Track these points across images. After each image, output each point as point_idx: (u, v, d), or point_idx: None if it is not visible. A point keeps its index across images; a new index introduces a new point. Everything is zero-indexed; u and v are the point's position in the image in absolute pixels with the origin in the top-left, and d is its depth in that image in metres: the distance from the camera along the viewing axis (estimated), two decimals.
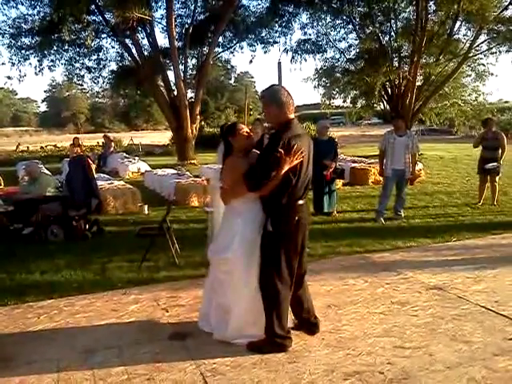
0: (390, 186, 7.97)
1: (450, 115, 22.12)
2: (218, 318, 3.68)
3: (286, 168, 3.23)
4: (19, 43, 17.94)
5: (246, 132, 3.58)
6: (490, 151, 8.87)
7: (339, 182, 10.48)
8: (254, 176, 3.31)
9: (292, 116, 3.44)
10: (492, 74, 19.93)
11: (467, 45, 18.40)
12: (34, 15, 17.69)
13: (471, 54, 18.34)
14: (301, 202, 3.45)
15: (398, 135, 7.80)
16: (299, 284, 3.67)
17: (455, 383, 3.05)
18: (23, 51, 18.08)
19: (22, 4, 17.87)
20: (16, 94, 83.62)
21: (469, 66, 19.64)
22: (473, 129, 25.53)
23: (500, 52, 18.45)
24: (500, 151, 8.80)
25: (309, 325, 3.77)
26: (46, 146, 27.74)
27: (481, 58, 19.35)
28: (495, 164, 8.76)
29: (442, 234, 6.88)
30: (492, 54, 18.78)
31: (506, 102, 47.62)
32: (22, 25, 17.70)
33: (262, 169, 3.28)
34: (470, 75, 20.47)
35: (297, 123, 3.48)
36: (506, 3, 16.93)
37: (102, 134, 21.04)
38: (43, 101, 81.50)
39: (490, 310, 4.15)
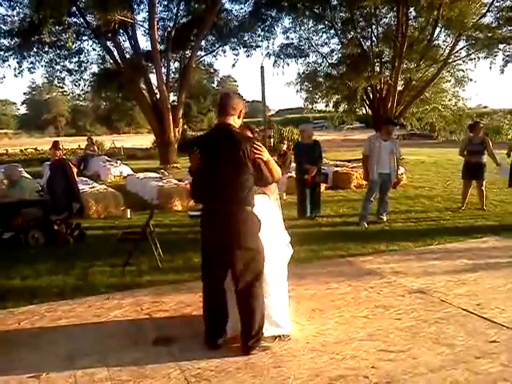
0: (374, 190, 8.04)
1: (430, 120, 22.42)
2: None
3: (193, 165, 3.52)
4: None
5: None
6: (476, 156, 8.84)
7: (322, 186, 10.53)
8: None
9: (220, 119, 3.54)
10: (471, 80, 20.30)
11: (447, 51, 18.69)
12: (14, 16, 17.51)
13: (450, 60, 18.64)
14: (210, 206, 3.49)
15: (383, 140, 7.88)
16: (239, 296, 3.54)
17: None
18: (2, 52, 17.88)
19: (1, 5, 17.72)
20: None
21: (448, 71, 19.96)
22: (453, 133, 25.90)
23: (478, 58, 18.81)
24: (486, 156, 8.86)
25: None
26: (25, 149, 27.37)
27: (460, 64, 19.70)
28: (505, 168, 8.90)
29: (424, 238, 6.95)
30: (471, 60, 19.13)
31: (485, 107, 48.52)
32: (1, 26, 17.52)
33: None
34: (449, 81, 20.79)
35: (216, 126, 3.62)
36: (484, 11, 17.27)
37: (86, 137, 20.86)
38: (23, 103, 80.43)
39: (472, 313, 4.19)
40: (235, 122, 3.51)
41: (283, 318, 3.72)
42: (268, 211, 3.78)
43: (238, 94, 3.65)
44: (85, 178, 12.10)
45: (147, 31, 18.55)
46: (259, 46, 21.04)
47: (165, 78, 18.54)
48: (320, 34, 20.47)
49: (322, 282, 5.05)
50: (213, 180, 3.43)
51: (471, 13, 16.53)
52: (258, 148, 3.38)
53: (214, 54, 21.67)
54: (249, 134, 3.74)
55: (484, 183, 9.02)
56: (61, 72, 20.00)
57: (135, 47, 18.84)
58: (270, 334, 3.66)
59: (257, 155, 3.37)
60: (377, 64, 19.39)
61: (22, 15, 17.30)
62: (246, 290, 3.48)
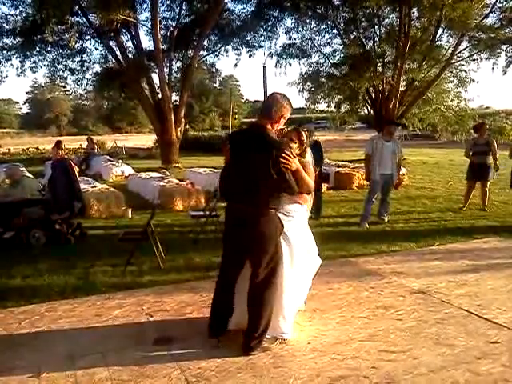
0: (376, 191, 8.04)
1: (432, 121, 22.34)
2: None
3: (226, 160, 3.62)
4: (0, 43, 17.74)
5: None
6: (481, 156, 8.82)
7: (323, 186, 10.53)
8: None
9: (258, 120, 3.54)
10: (473, 81, 20.18)
11: (449, 51, 18.63)
12: (16, 15, 17.51)
13: (453, 61, 18.57)
14: (232, 203, 3.57)
15: (385, 140, 7.87)
16: (250, 297, 3.58)
17: None
18: (5, 52, 17.87)
19: (4, 4, 17.77)
20: None
21: (451, 72, 19.88)
22: (455, 134, 25.87)
23: (481, 59, 18.72)
24: (491, 157, 8.83)
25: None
26: (28, 149, 27.37)
27: (462, 65, 19.60)
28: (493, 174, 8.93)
29: (426, 238, 6.95)
30: (473, 60, 19.03)
31: (487, 107, 48.39)
32: (4, 25, 17.49)
33: None
34: (452, 81, 20.71)
35: (252, 126, 3.67)
36: (487, 11, 17.22)
37: (86, 137, 20.85)
38: (25, 102, 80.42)
39: (473, 314, 4.19)
40: (273, 125, 3.46)
41: (288, 325, 3.72)
42: (302, 221, 3.78)
43: (285, 97, 3.51)
44: (86, 178, 12.11)
45: (150, 31, 18.55)
46: (262, 46, 21.02)
47: (167, 78, 18.54)
48: (322, 34, 20.43)
49: (323, 283, 5.03)
50: (238, 179, 3.45)
51: (474, 13, 16.45)
52: (286, 157, 3.32)
53: (217, 53, 21.67)
54: (294, 138, 3.71)
55: (488, 184, 8.98)
56: (63, 71, 20.00)
57: (138, 47, 18.84)
58: (271, 335, 3.67)
59: (282, 164, 3.32)
60: (379, 64, 19.32)
61: (24, 14, 17.32)
62: (258, 292, 3.51)
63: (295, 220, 3.69)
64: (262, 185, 3.37)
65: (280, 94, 3.53)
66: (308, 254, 3.82)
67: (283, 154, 3.32)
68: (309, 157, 3.84)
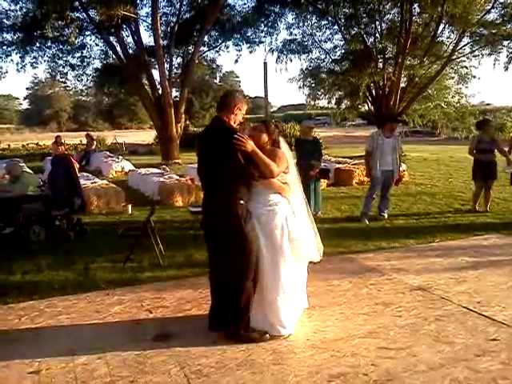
0: (377, 187, 8.03)
1: (433, 117, 22.30)
2: None
3: None
4: (0, 39, 17.72)
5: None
6: (487, 154, 8.48)
7: (324, 183, 10.53)
8: None
9: (216, 114, 3.75)
10: (474, 77, 20.15)
11: (450, 47, 18.59)
12: (17, 11, 17.50)
13: (454, 57, 18.52)
14: (204, 194, 3.79)
15: (385, 136, 7.86)
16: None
17: None
18: (5, 47, 17.87)
19: None
20: None
21: (452, 68, 19.84)
22: (455, 131, 25.83)
23: (482, 55, 18.66)
24: (497, 154, 8.52)
25: None
26: (27, 144, 27.39)
27: (464, 61, 19.55)
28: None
29: (425, 235, 6.94)
30: (475, 56, 18.98)
31: (488, 104, 48.32)
32: (4, 20, 17.49)
33: None
34: (453, 77, 20.66)
35: (212, 120, 3.86)
36: (489, 7, 17.16)
37: (85, 133, 20.83)
38: (25, 98, 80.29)
39: (473, 311, 4.19)
40: (229, 117, 3.61)
41: (287, 320, 3.71)
42: (283, 212, 3.73)
43: (237, 91, 3.78)
44: (86, 174, 12.10)
45: (150, 26, 18.53)
46: (262, 42, 20.94)
47: (167, 74, 18.49)
48: (323, 30, 20.37)
49: (322, 279, 5.03)
50: (205, 171, 3.70)
51: (475, 9, 16.39)
52: (239, 139, 3.43)
53: (217, 49, 21.65)
54: (262, 129, 3.82)
55: (493, 184, 8.74)
56: (63, 67, 20.02)
57: (138, 42, 18.82)
58: (270, 330, 3.66)
59: (237, 145, 3.42)
60: (380, 60, 19.29)
61: (24, 10, 17.29)
62: (230, 278, 3.58)
63: (275, 210, 3.67)
64: (223, 173, 3.53)
65: (233, 90, 3.83)
66: (295, 245, 3.76)
67: (236, 136, 3.43)
68: (283, 147, 3.90)
